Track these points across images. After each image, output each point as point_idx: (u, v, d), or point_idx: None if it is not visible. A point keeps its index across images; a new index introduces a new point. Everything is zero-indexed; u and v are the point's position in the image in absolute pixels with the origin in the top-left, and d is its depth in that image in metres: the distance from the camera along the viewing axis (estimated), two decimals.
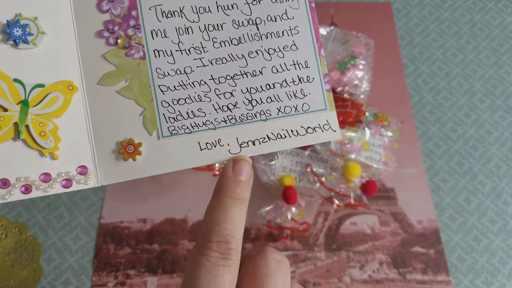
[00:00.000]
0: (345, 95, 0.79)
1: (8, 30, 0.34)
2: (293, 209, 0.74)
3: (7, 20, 0.35)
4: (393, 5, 0.97)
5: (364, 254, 0.75)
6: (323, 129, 0.38)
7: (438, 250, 0.75)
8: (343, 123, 0.75)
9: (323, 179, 0.74)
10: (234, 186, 0.34)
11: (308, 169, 0.74)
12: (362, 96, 0.80)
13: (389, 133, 0.77)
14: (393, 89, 0.89)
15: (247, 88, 0.37)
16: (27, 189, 0.34)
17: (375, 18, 0.96)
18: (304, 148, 0.77)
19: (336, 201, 0.74)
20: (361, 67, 0.80)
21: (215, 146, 0.37)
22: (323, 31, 0.83)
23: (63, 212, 0.78)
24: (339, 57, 0.82)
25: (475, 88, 0.89)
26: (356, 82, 0.80)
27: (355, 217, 0.78)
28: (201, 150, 0.37)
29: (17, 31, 0.35)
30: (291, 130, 0.37)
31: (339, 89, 0.80)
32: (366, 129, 0.76)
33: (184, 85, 0.37)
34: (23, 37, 0.35)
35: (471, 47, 0.93)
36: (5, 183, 0.34)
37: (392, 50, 0.93)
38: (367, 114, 0.77)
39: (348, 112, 0.76)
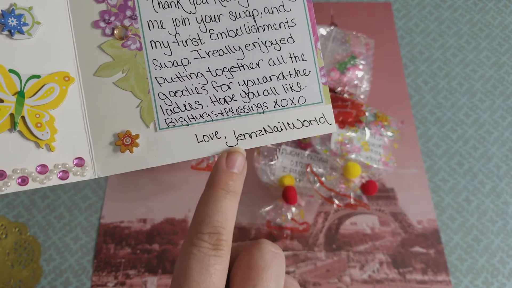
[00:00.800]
0: (345, 95, 0.79)
1: (3, 20, 0.34)
2: (293, 209, 0.74)
3: (1, 10, 0.34)
4: (393, 5, 0.97)
5: (364, 254, 0.75)
6: (319, 122, 0.38)
7: (438, 250, 0.75)
8: (343, 123, 0.75)
9: (323, 179, 0.74)
10: (226, 178, 0.34)
11: (308, 169, 0.74)
12: (362, 96, 0.80)
13: (389, 133, 0.77)
14: (393, 89, 0.89)
15: (244, 80, 0.37)
16: (23, 180, 0.34)
17: (375, 18, 0.96)
18: (304, 148, 0.77)
19: (336, 201, 0.74)
20: (361, 67, 0.80)
21: (212, 139, 0.37)
22: (323, 31, 0.83)
23: (63, 212, 0.78)
24: (339, 57, 0.82)
25: (475, 88, 0.89)
26: (356, 82, 0.80)
27: (355, 217, 0.78)
28: (198, 142, 0.36)
29: (12, 21, 0.34)
30: (288, 123, 0.37)
31: (339, 89, 0.80)
32: (366, 129, 0.76)
33: (181, 77, 0.37)
34: (18, 27, 0.34)
35: (471, 47, 0.93)
36: (1, 174, 0.34)
37: (392, 50, 0.93)
38: (367, 114, 0.77)
39: (348, 112, 0.76)
